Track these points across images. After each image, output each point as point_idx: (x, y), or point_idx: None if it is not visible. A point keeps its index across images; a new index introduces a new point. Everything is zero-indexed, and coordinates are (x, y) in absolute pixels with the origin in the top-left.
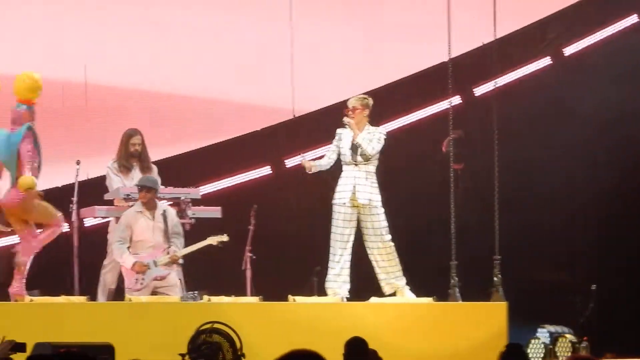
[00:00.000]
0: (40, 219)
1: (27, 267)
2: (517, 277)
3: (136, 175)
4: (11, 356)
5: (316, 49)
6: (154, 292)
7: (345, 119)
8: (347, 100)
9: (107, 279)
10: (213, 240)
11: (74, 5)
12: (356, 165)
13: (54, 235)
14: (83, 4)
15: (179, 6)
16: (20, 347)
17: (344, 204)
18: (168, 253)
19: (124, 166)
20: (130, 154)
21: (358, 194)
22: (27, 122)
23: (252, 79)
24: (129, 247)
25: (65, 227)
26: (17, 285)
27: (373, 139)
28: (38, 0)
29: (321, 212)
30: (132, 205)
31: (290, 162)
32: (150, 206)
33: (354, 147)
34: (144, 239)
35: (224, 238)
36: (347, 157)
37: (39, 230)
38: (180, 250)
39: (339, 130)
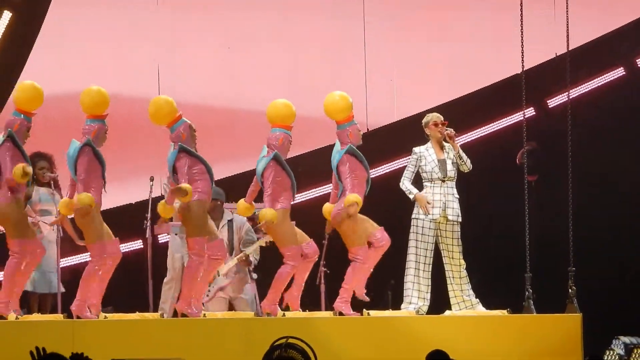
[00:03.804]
0: None
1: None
2: (592, 289)
3: None
4: None
5: (389, 63)
6: (231, 307)
7: (450, 131)
8: (425, 113)
9: (168, 296)
10: (262, 241)
11: (145, 23)
12: (444, 181)
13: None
14: (153, 20)
15: (250, 21)
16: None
17: (432, 220)
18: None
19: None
20: None
21: (449, 210)
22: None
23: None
24: None
25: (139, 244)
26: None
27: (460, 154)
28: (108, 19)
29: (394, 226)
30: None
31: None
32: (215, 217)
33: (443, 163)
34: None
35: (269, 238)
36: (433, 173)
37: None
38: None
39: (417, 150)
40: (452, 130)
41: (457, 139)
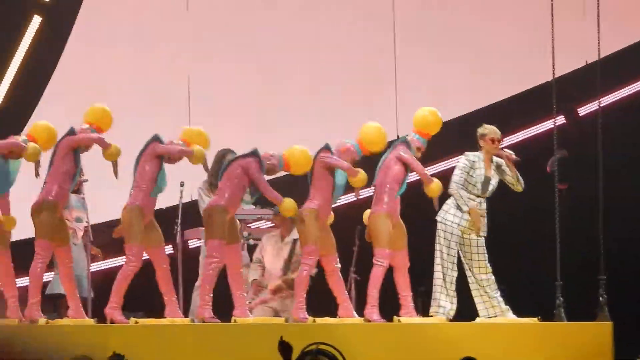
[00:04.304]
0: None
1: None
2: (623, 297)
3: None
4: None
5: (420, 71)
6: (276, 313)
7: (511, 154)
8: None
9: (197, 301)
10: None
11: (174, 28)
12: (480, 197)
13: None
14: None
15: (285, 27)
16: None
17: (463, 229)
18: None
19: (214, 185)
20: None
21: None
22: None
23: (358, 100)
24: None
25: (169, 249)
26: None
27: (517, 175)
28: (138, 24)
29: (423, 233)
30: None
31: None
32: (282, 231)
33: (487, 180)
34: (266, 262)
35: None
36: (475, 188)
37: None
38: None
39: (471, 158)
40: (512, 153)
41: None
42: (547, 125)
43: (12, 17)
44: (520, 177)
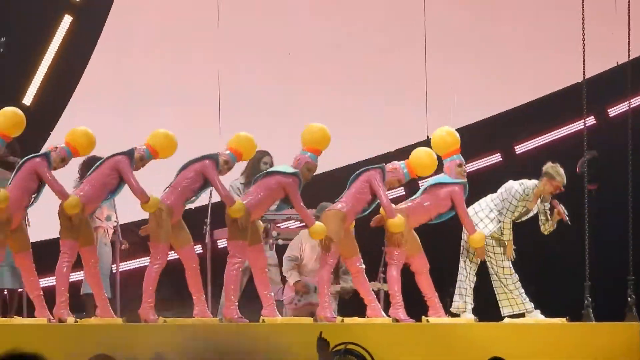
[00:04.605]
0: None
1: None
2: None
3: None
4: None
5: (449, 72)
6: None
7: (562, 210)
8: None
9: None
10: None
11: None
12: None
13: None
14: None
15: (310, 30)
16: None
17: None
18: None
19: (247, 184)
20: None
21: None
22: None
23: (388, 100)
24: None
25: (198, 249)
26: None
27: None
28: (170, 23)
29: (449, 234)
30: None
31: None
32: None
33: (527, 212)
34: (306, 262)
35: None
36: (513, 215)
37: None
38: (349, 285)
39: (528, 190)
40: (565, 212)
41: (519, 145)
42: (578, 126)
43: (43, 16)
44: (552, 229)
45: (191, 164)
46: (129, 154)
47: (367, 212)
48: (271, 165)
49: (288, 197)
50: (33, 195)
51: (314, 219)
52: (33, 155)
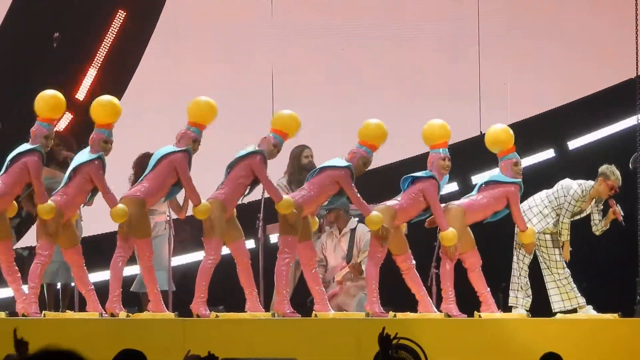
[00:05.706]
0: None
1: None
2: None
3: None
4: None
5: (503, 66)
6: (339, 308)
7: (619, 210)
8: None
9: None
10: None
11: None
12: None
13: None
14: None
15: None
16: None
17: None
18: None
19: (299, 180)
20: (303, 167)
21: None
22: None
23: (441, 96)
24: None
25: (251, 243)
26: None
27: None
28: (224, 18)
29: (500, 228)
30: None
31: (475, 179)
32: (338, 224)
33: (580, 212)
34: (328, 257)
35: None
36: (568, 213)
37: None
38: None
39: (586, 191)
40: (621, 211)
41: (570, 142)
42: (631, 121)
43: (97, 11)
44: (605, 228)
45: (241, 159)
46: (187, 151)
47: (422, 217)
48: (312, 158)
49: (341, 191)
50: (87, 197)
51: (370, 209)
52: (88, 159)
